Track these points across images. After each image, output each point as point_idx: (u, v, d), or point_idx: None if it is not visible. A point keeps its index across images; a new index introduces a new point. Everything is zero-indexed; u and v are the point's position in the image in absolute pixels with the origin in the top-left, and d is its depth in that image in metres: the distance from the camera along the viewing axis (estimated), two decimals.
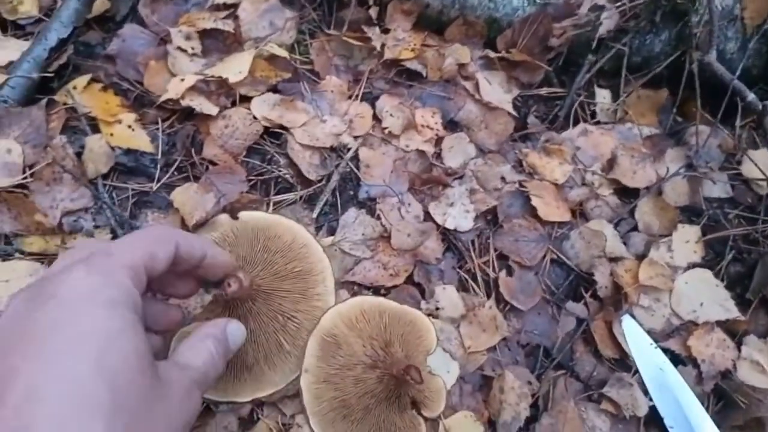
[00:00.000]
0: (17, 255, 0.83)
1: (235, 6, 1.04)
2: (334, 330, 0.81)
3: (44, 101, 0.90)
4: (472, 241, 0.97)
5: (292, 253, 0.82)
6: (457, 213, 0.97)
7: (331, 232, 0.93)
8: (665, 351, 0.93)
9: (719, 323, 0.95)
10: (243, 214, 0.86)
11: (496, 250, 0.97)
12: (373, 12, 1.09)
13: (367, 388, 0.78)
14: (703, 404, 0.88)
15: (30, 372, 0.43)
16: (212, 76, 0.95)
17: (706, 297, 0.96)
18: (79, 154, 0.89)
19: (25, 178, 0.85)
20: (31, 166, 0.86)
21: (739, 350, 0.94)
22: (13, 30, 0.98)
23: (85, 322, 0.46)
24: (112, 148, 0.90)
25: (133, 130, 0.93)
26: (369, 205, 0.97)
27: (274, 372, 0.78)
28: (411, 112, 1.03)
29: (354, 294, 0.89)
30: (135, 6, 1.04)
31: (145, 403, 0.47)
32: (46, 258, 0.83)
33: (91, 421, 0.42)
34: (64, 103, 0.92)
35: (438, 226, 0.96)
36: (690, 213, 1.08)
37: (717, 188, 1.09)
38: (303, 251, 0.83)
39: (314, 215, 0.93)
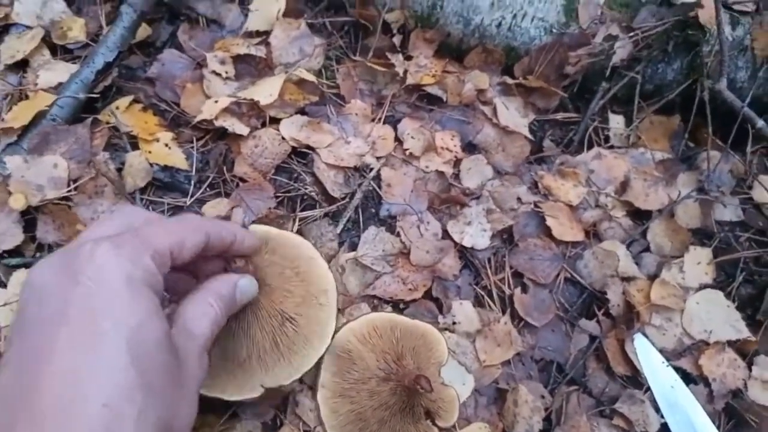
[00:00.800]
0: None
1: (267, 33, 1.10)
2: (347, 345, 0.84)
3: (89, 120, 0.96)
4: (489, 259, 1.00)
5: (299, 261, 0.83)
6: (475, 231, 1.00)
7: (353, 247, 0.97)
8: (677, 369, 0.94)
9: (730, 343, 0.97)
10: (253, 227, 0.89)
11: (511, 267, 1.00)
12: (397, 40, 1.14)
13: (382, 400, 0.80)
14: (714, 423, 0.90)
15: (67, 355, 0.46)
16: (244, 99, 1.01)
17: (717, 317, 0.98)
18: (119, 170, 0.94)
19: (70, 191, 0.90)
20: (75, 180, 0.91)
21: (750, 370, 0.95)
22: (62, 54, 1.05)
23: (116, 307, 0.48)
24: (150, 165, 0.96)
25: (169, 148, 0.98)
26: (390, 223, 1.01)
27: (265, 372, 0.77)
28: (431, 134, 1.07)
29: (375, 307, 0.93)
30: (174, 32, 1.11)
31: (170, 381, 0.51)
32: None
33: (128, 405, 0.45)
34: (107, 122, 0.98)
35: (456, 243, 0.99)
36: (702, 235, 1.10)
37: (728, 212, 1.12)
38: (310, 263, 0.84)
39: (338, 231, 0.97)
